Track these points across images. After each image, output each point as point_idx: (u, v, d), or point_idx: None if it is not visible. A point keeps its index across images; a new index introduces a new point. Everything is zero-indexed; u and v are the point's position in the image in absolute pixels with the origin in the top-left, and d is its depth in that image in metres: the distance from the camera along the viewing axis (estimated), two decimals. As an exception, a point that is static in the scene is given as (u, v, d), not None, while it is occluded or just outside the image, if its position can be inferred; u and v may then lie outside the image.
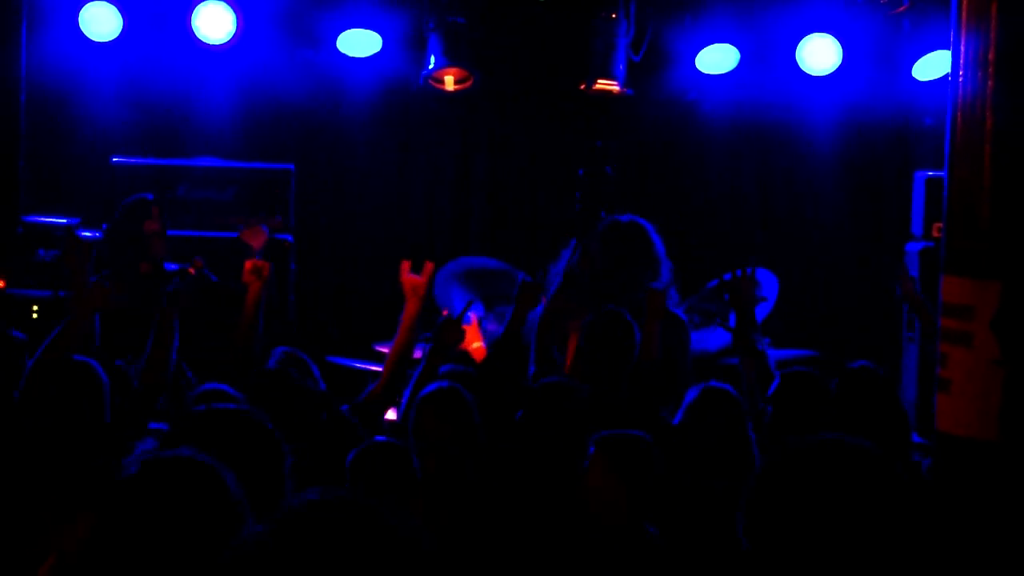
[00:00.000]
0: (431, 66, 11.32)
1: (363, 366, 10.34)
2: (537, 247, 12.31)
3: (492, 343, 8.68)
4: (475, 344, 8.35)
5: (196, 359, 7.91)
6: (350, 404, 7.63)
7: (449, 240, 12.23)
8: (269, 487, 4.35)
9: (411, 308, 7.74)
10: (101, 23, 11.05)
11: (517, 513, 6.32)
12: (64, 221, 10.55)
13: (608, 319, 7.69)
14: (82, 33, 11.09)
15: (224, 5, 11.07)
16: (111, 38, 11.15)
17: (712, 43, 11.68)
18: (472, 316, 10.06)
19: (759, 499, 3.01)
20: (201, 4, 11.06)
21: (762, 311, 10.37)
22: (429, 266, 7.83)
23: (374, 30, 11.31)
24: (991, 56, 4.96)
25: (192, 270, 8.95)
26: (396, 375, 7.56)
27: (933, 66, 11.50)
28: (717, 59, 11.75)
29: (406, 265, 7.78)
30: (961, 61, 5.07)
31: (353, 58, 11.50)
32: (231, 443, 4.34)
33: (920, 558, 2.99)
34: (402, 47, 11.60)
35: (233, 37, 11.15)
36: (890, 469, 3.02)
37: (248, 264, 7.81)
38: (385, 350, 10.02)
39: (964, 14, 5.02)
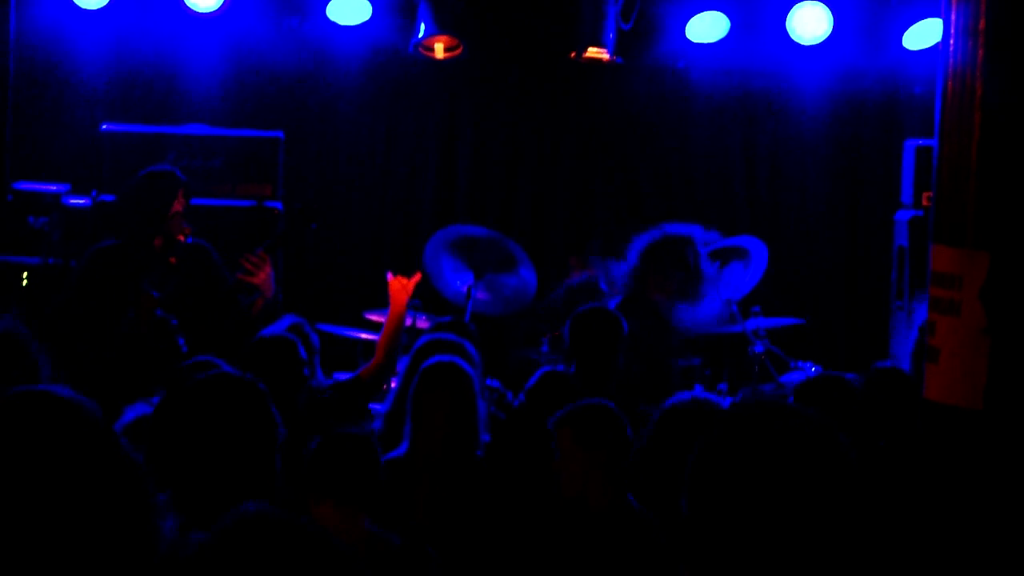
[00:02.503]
0: (421, 34, 11.30)
1: (353, 334, 10.35)
2: (525, 215, 12.34)
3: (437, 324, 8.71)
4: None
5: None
6: (344, 381, 7.68)
7: (437, 207, 12.24)
8: (260, 459, 4.36)
9: (395, 311, 7.96)
10: (90, -10, 11.04)
11: (513, 495, 6.33)
12: (55, 188, 10.54)
13: (593, 314, 7.75)
14: (71, 0, 11.07)
15: (213, -28, 11.06)
16: (100, 5, 11.13)
17: (702, 11, 11.68)
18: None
19: (697, 464, 2.99)
20: (190, -29, 11.05)
21: (751, 279, 10.40)
22: (417, 276, 8.14)
23: (364, -2, 11.32)
24: (982, 25, 4.95)
25: (181, 237, 8.95)
26: (391, 350, 7.64)
27: (923, 35, 11.50)
28: (707, 27, 11.74)
29: (391, 276, 8.03)
30: (952, 30, 5.07)
31: (342, 26, 11.49)
32: (228, 411, 4.35)
33: (861, 525, 2.97)
34: (392, 15, 11.58)
35: (222, 5, 11.13)
36: (831, 436, 3.00)
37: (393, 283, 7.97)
38: (375, 318, 10.06)
39: (954, -17, 5.03)
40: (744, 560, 2.90)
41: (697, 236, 9.19)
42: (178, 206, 8.82)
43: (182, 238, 8.93)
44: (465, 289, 10.15)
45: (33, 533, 2.66)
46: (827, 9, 11.55)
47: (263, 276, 8.44)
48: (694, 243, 9.14)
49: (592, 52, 11.48)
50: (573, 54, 11.54)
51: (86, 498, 2.69)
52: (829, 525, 2.92)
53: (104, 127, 10.70)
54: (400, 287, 7.94)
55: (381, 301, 9.92)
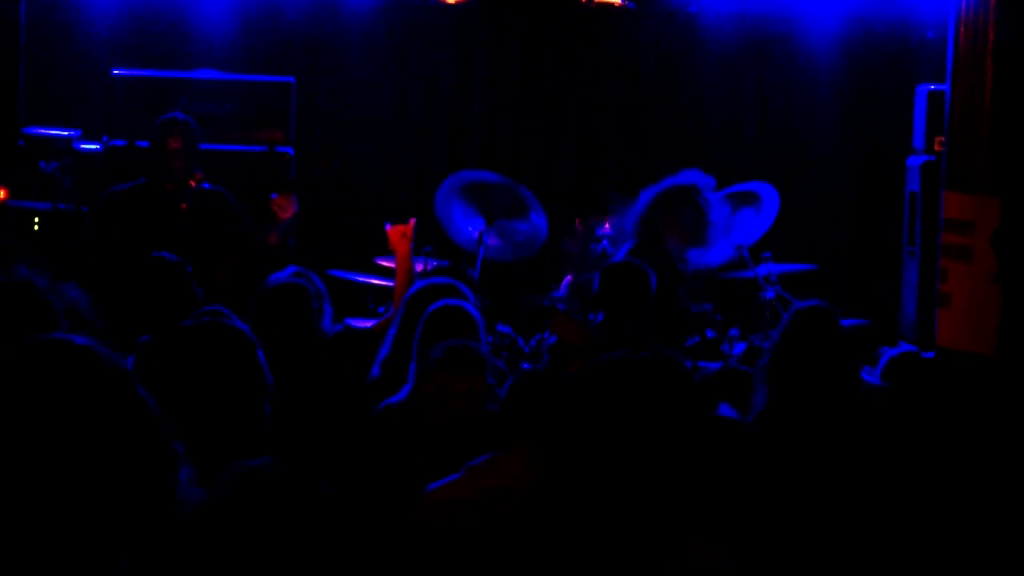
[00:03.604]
0: (432, -21, 11.27)
1: (364, 279, 10.35)
2: (536, 160, 12.32)
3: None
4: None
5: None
6: (364, 331, 7.70)
7: (449, 152, 12.22)
8: (245, 408, 4.37)
9: (400, 259, 8.16)
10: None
11: None
12: (66, 133, 10.54)
13: (625, 269, 7.74)
14: (82, -56, 11.07)
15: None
16: (111, -50, 11.12)
17: (714, -45, 11.65)
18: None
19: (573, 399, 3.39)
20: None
21: (762, 225, 10.39)
22: (412, 221, 8.25)
23: (375, -58, 11.29)
24: (994, -30, 4.94)
25: (192, 183, 8.99)
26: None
27: (936, -21, 11.46)
28: (719, -28, 11.71)
29: (389, 227, 8.19)
30: (964, -25, 5.06)
31: (354, -30, 11.48)
32: (211, 359, 4.37)
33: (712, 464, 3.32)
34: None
35: (233, -51, 11.12)
36: (683, 374, 3.42)
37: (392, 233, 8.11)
38: (386, 263, 10.06)
39: (968, -72, 5.01)
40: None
41: (701, 184, 9.19)
42: (176, 143, 8.96)
43: (193, 184, 8.98)
44: (476, 235, 10.15)
45: (51, 483, 2.67)
46: (840, -47, 11.52)
47: (291, 211, 8.74)
48: (701, 190, 9.14)
49: (603, -3, 11.44)
50: (585, -1, 11.51)
51: (104, 447, 2.70)
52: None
53: (115, 72, 10.68)
54: (399, 235, 8.06)
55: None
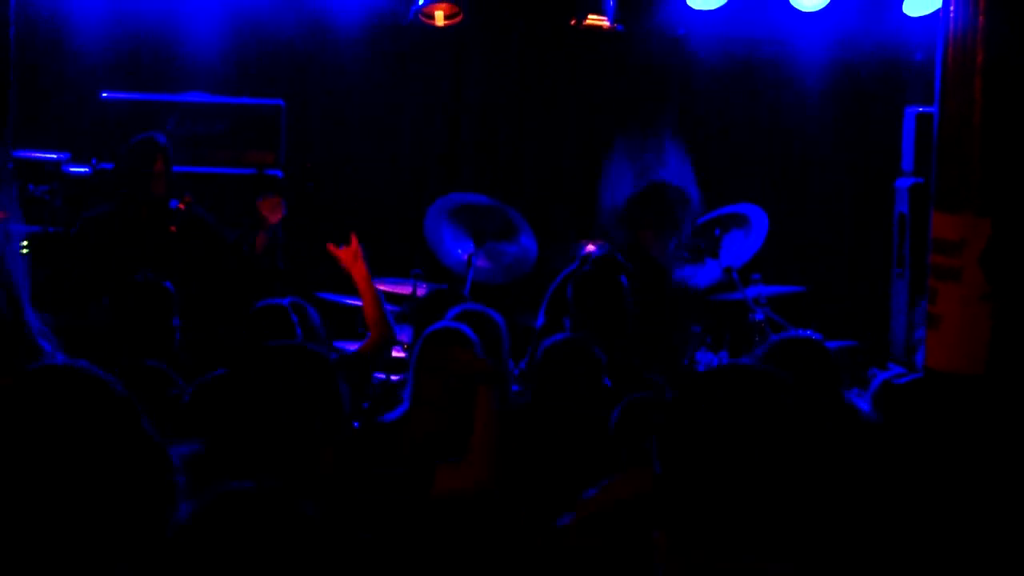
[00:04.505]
0: (421, 1, 11.28)
1: (353, 302, 10.33)
2: (527, 182, 12.33)
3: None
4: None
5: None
6: (348, 356, 7.68)
7: (439, 175, 12.23)
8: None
9: (359, 275, 7.86)
10: (89, -43, 11.02)
11: None
12: (55, 156, 10.54)
13: (596, 280, 7.72)
14: (71, -33, 11.07)
15: (213, -61, 11.05)
16: (100, -27, 11.13)
17: (702, -22, 11.66)
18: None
19: (668, 424, 3.15)
20: (190, -62, 11.03)
21: (752, 247, 10.40)
22: (353, 237, 7.96)
23: (364, -35, 11.31)
24: (982, -9, 4.96)
25: (182, 205, 8.99)
26: (380, 318, 7.61)
27: (923, 1, 11.47)
28: (707, -6, 11.74)
29: (332, 247, 7.93)
30: (952, -4, 5.07)
31: (343, -7, 11.49)
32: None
33: (821, 477, 3.13)
34: (392, -18, 11.57)
35: (222, -29, 11.13)
36: (786, 391, 3.16)
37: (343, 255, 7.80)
38: (377, 285, 10.05)
39: (956, -51, 5.02)
40: (713, 517, 3.02)
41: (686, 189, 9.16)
42: (159, 166, 8.97)
43: (183, 206, 8.99)
44: (466, 257, 10.15)
45: (48, 510, 2.66)
46: (827, -25, 11.54)
47: (280, 214, 8.88)
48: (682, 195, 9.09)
49: (592, 19, 11.46)
50: (573, 21, 11.53)
51: (105, 476, 2.70)
52: (791, 475, 3.05)
53: (104, 95, 10.69)
54: (351, 257, 7.87)
55: (382, 269, 9.92)
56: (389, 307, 7.87)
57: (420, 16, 11.41)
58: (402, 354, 8.96)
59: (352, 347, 9.12)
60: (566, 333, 7.33)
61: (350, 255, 7.81)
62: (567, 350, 6.71)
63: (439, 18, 11.46)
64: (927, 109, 10.47)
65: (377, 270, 8.38)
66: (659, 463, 3.11)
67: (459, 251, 10.27)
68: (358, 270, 7.78)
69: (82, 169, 10.47)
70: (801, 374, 6.07)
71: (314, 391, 4.45)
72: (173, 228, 8.87)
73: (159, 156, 9.07)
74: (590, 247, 10.41)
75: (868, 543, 4.74)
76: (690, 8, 11.79)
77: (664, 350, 8.56)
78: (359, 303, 10.22)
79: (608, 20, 11.43)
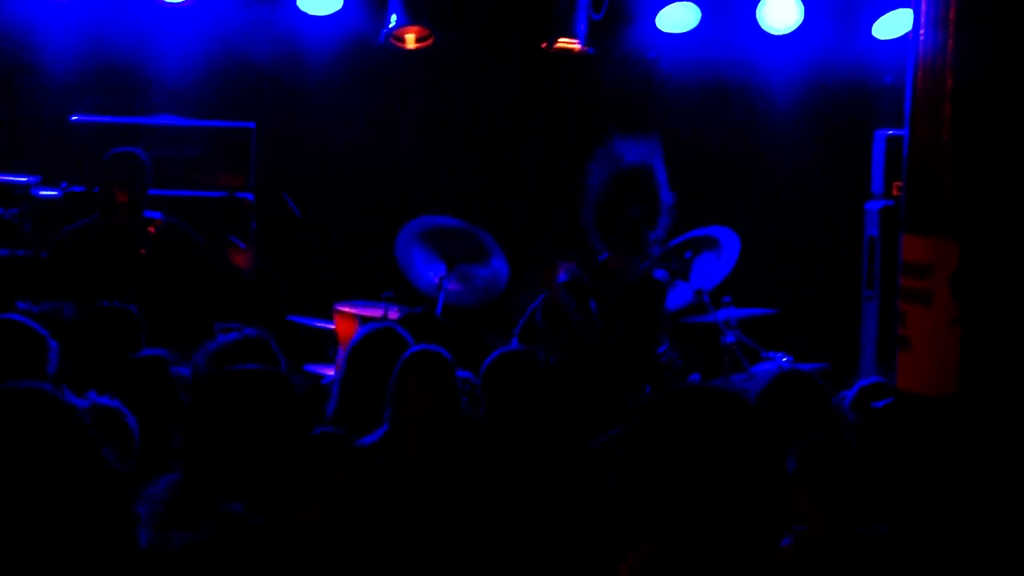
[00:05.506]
0: (392, 24, 11.29)
1: (324, 326, 10.33)
2: (498, 205, 12.32)
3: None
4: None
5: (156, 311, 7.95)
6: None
7: (410, 198, 12.21)
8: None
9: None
10: (59, -20, 11.00)
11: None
12: (24, 179, 10.51)
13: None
14: (41, -10, 11.05)
15: (183, -38, 11.03)
16: (70, -5, 11.11)
17: (673, 1, 11.68)
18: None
19: (625, 446, 3.16)
20: (160, -40, 11.02)
21: (722, 269, 10.40)
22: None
23: (335, -12, 11.30)
24: (951, 15, 4.98)
25: (152, 229, 8.98)
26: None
27: (893, 24, 11.53)
28: (678, 17, 11.76)
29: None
30: (922, 19, 5.09)
31: (313, 16, 11.46)
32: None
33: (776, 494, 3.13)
34: (363, 5, 11.57)
35: (193, -6, 11.12)
36: (749, 410, 3.17)
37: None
38: (347, 310, 10.03)
39: (925, -27, 5.04)
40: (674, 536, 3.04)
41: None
42: (123, 196, 8.97)
43: (153, 230, 8.98)
44: (437, 280, 10.14)
45: (6, 534, 2.65)
46: (797, -1, 11.59)
47: (250, 260, 8.99)
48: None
49: (563, 43, 11.49)
50: (544, 44, 11.55)
51: (60, 501, 2.68)
52: (748, 492, 3.06)
53: (74, 118, 10.66)
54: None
55: (353, 292, 9.93)
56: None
57: (391, 39, 11.42)
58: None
59: (323, 370, 9.11)
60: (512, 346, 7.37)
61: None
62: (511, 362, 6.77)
63: (410, 41, 11.47)
64: (897, 132, 10.50)
65: (349, 292, 8.39)
66: (616, 484, 3.13)
67: (430, 274, 10.25)
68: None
69: (52, 192, 10.43)
70: (802, 410, 6.13)
71: (276, 413, 4.47)
72: (143, 251, 8.84)
73: (116, 190, 9.06)
74: (561, 271, 10.39)
75: (846, 560, 4.75)
76: (661, 31, 11.83)
77: (641, 370, 8.54)
78: (330, 326, 10.24)
79: (579, 43, 11.46)
